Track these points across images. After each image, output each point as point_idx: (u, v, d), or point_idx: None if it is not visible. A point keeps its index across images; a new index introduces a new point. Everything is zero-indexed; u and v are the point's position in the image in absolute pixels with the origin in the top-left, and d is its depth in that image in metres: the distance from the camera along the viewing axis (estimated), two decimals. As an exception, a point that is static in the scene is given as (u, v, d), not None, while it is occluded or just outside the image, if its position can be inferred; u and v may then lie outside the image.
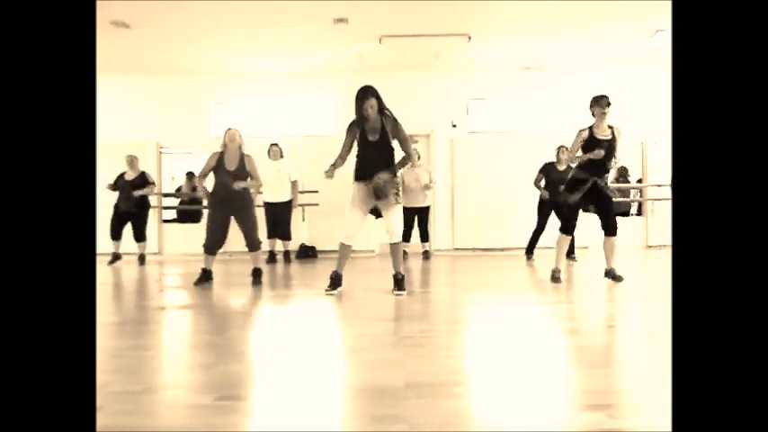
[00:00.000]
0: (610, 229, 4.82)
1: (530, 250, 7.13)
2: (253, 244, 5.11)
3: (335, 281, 4.50)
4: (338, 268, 4.52)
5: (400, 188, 4.43)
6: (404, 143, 4.36)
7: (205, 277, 5.07)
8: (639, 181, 8.88)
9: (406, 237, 7.44)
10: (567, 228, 4.94)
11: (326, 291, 4.46)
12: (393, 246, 4.49)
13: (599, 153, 4.66)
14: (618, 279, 4.77)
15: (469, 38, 7.16)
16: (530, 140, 8.51)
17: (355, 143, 4.43)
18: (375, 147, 4.31)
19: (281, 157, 7.28)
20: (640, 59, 8.11)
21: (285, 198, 7.19)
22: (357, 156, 4.44)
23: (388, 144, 4.33)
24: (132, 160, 7.22)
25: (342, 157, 4.45)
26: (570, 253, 6.88)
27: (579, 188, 4.78)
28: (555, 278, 4.93)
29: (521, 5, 6.15)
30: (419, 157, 7.06)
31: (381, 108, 4.27)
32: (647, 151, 8.64)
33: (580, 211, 4.92)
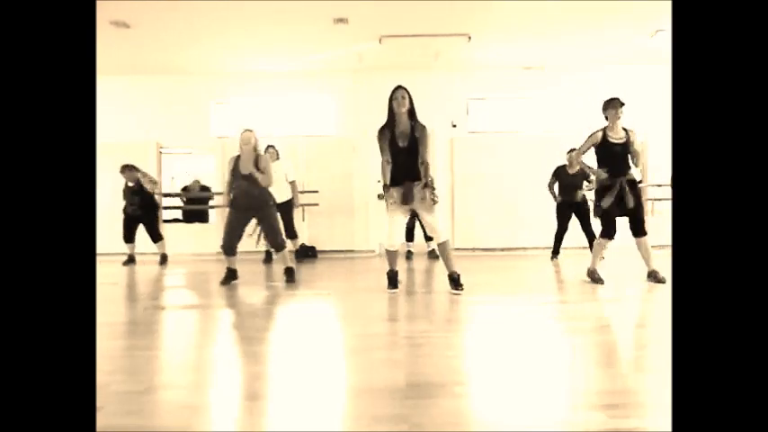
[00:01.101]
0: (638, 230, 4.78)
1: (555, 252, 7.10)
2: (276, 245, 5.19)
3: (393, 279, 4.53)
4: (391, 266, 4.56)
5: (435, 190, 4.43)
6: (426, 152, 4.31)
7: (231, 276, 5.12)
8: (639, 181, 8.87)
9: (409, 237, 7.43)
10: (607, 232, 4.81)
11: (389, 290, 4.48)
12: (440, 246, 4.48)
13: (600, 173, 4.74)
14: (660, 280, 4.69)
15: (469, 38, 7.16)
16: (530, 140, 8.52)
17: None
18: (405, 152, 4.29)
19: (278, 158, 7.28)
20: (640, 59, 8.11)
21: (283, 198, 7.19)
22: (387, 161, 4.38)
23: (418, 149, 4.29)
24: (131, 174, 7.22)
25: (387, 168, 4.38)
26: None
27: (608, 193, 4.71)
28: (594, 279, 4.82)
29: (521, 5, 6.15)
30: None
31: (412, 112, 4.28)
32: (647, 151, 8.63)
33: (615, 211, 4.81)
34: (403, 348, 2.78)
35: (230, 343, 3.14)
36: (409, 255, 7.46)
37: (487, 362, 2.57)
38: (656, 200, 8.56)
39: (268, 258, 7.28)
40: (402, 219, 4.49)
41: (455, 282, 4.42)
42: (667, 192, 7.94)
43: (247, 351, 2.89)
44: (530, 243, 8.26)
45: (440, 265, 6.81)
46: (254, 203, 5.03)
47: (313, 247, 8.23)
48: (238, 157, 5.08)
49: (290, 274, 5.21)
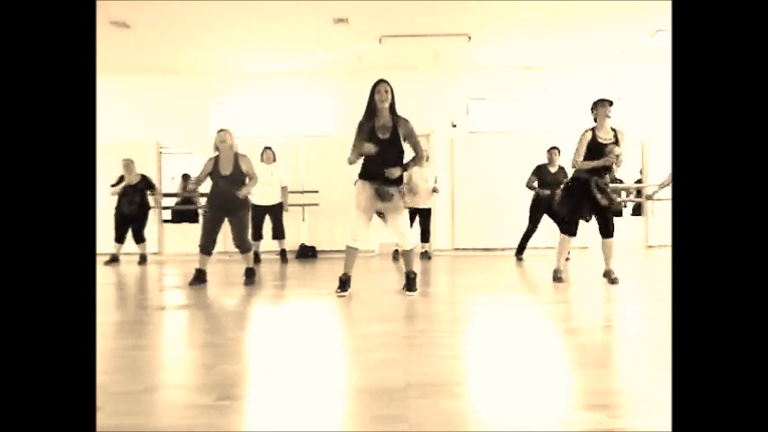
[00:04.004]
0: (606, 232, 4.83)
1: (520, 251, 7.10)
2: (243, 246, 5.16)
3: (345, 283, 4.42)
4: (346, 270, 4.42)
5: (405, 189, 4.33)
6: (417, 145, 4.26)
7: (199, 278, 5.11)
8: (639, 181, 8.88)
9: (424, 237, 7.40)
10: (569, 229, 4.90)
11: (337, 293, 4.38)
12: (406, 252, 4.40)
13: (610, 159, 4.62)
14: (614, 282, 4.77)
15: (469, 38, 7.16)
16: (530, 140, 8.52)
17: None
18: (385, 144, 4.16)
19: (275, 160, 7.26)
20: (640, 59, 8.11)
21: (275, 201, 7.17)
22: (367, 158, 4.26)
23: (399, 143, 4.21)
24: (128, 164, 7.27)
25: (355, 154, 4.24)
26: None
27: (576, 189, 4.75)
28: (557, 278, 4.94)
29: (521, 5, 6.15)
30: (428, 158, 7.01)
31: (393, 107, 4.21)
32: (647, 151, 8.64)
33: (582, 210, 4.84)
34: (403, 348, 2.78)
35: (229, 343, 3.13)
36: (425, 255, 7.44)
37: (487, 362, 2.57)
38: (655, 200, 8.57)
39: (256, 259, 7.26)
40: (367, 217, 4.30)
41: (410, 282, 4.37)
42: (667, 192, 7.94)
43: (246, 350, 2.89)
44: (529, 243, 8.25)
45: (437, 265, 6.82)
46: (230, 205, 5.00)
47: (313, 247, 8.23)
48: (217, 157, 5.02)
49: (249, 275, 5.19)
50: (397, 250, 7.49)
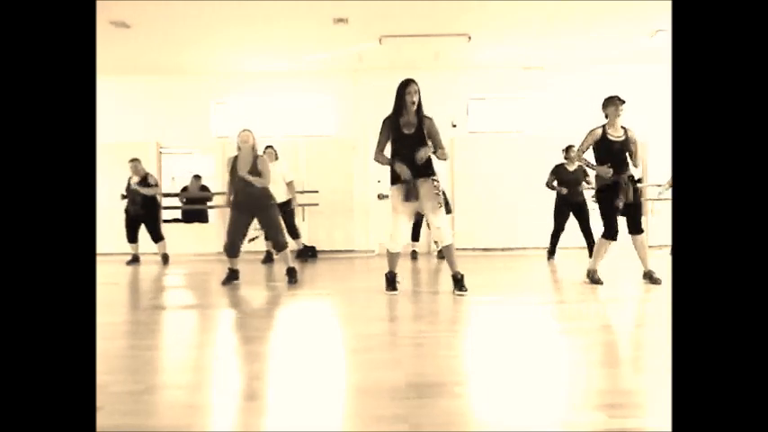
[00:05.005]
0: (636, 228, 4.77)
1: (551, 252, 7.04)
2: (278, 244, 5.14)
3: (392, 281, 4.46)
4: (391, 268, 4.47)
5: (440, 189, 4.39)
6: (440, 142, 4.38)
7: (232, 277, 5.11)
8: (639, 181, 8.87)
9: (415, 236, 7.38)
10: (611, 233, 4.77)
11: (388, 292, 4.41)
12: (445, 248, 4.40)
13: (608, 171, 4.61)
14: (656, 281, 4.66)
15: (469, 38, 7.16)
16: (530, 140, 8.52)
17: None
18: (410, 138, 4.25)
19: (276, 158, 7.27)
20: (640, 59, 8.10)
21: (282, 198, 7.15)
22: (393, 153, 4.34)
23: (424, 137, 4.28)
24: (136, 165, 7.27)
25: (383, 155, 4.37)
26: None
27: (618, 192, 4.67)
28: (594, 280, 4.80)
29: (521, 5, 6.15)
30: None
31: (420, 106, 4.29)
32: (647, 151, 8.63)
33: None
34: (403, 348, 2.78)
35: (230, 343, 3.14)
36: (414, 255, 7.43)
37: (487, 362, 2.57)
38: (655, 200, 8.56)
39: (268, 258, 7.27)
40: (407, 218, 4.38)
41: (458, 282, 4.35)
42: (668, 192, 7.93)
43: (247, 351, 2.89)
44: (530, 243, 8.26)
45: (437, 265, 6.82)
46: (254, 204, 5.02)
47: (313, 247, 8.22)
48: (236, 157, 5.06)
49: (291, 275, 5.13)
50: (414, 251, 7.49)
